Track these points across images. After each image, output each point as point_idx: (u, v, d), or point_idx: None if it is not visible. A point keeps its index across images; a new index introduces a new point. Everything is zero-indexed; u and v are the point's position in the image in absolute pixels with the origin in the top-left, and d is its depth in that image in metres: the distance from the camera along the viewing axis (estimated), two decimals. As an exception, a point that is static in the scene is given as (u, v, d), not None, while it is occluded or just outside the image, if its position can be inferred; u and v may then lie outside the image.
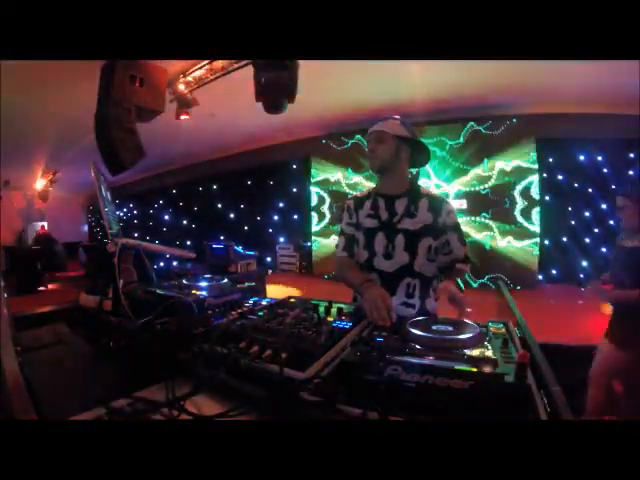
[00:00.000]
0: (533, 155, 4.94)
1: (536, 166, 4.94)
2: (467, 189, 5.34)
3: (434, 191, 1.54)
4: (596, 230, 4.84)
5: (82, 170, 7.22)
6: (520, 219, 5.04)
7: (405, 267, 1.30)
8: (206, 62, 3.71)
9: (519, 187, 5.04)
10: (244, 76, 3.40)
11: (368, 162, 1.42)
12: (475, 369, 0.54)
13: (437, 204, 1.34)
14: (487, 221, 5.24)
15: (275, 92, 3.05)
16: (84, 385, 0.73)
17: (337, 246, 1.45)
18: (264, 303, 1.04)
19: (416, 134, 1.39)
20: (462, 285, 1.28)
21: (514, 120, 4.97)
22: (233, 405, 0.57)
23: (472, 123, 5.23)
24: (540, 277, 5.03)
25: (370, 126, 1.41)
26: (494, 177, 5.17)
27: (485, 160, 5.18)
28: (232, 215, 7.70)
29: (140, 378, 0.69)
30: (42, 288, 6.22)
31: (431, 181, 5.50)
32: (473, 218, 5.32)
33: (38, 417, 0.51)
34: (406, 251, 1.31)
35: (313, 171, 6.57)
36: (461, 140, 5.32)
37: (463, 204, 5.35)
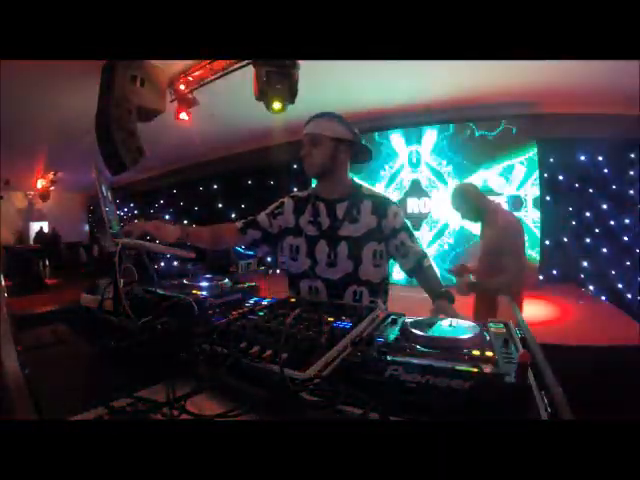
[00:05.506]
0: (533, 155, 4.94)
1: (536, 166, 4.93)
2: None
3: (379, 192, 1.39)
4: (597, 230, 4.83)
5: (82, 170, 7.23)
6: (520, 219, 5.03)
7: (350, 275, 1.23)
8: (206, 62, 3.70)
9: (519, 187, 5.03)
10: (244, 76, 3.40)
11: (304, 167, 1.28)
12: (475, 369, 0.54)
13: (381, 206, 1.26)
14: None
15: (276, 92, 3.05)
16: (84, 385, 0.73)
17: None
18: (264, 303, 1.04)
19: (355, 131, 1.28)
20: (453, 297, 1.19)
21: (514, 120, 4.96)
22: (233, 405, 0.57)
23: (470, 123, 5.22)
24: (540, 277, 5.03)
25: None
26: (494, 177, 5.16)
27: (484, 160, 5.18)
28: (233, 215, 7.70)
29: (140, 378, 0.69)
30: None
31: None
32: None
33: (38, 417, 0.51)
34: (350, 259, 1.22)
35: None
36: (460, 141, 5.31)
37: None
